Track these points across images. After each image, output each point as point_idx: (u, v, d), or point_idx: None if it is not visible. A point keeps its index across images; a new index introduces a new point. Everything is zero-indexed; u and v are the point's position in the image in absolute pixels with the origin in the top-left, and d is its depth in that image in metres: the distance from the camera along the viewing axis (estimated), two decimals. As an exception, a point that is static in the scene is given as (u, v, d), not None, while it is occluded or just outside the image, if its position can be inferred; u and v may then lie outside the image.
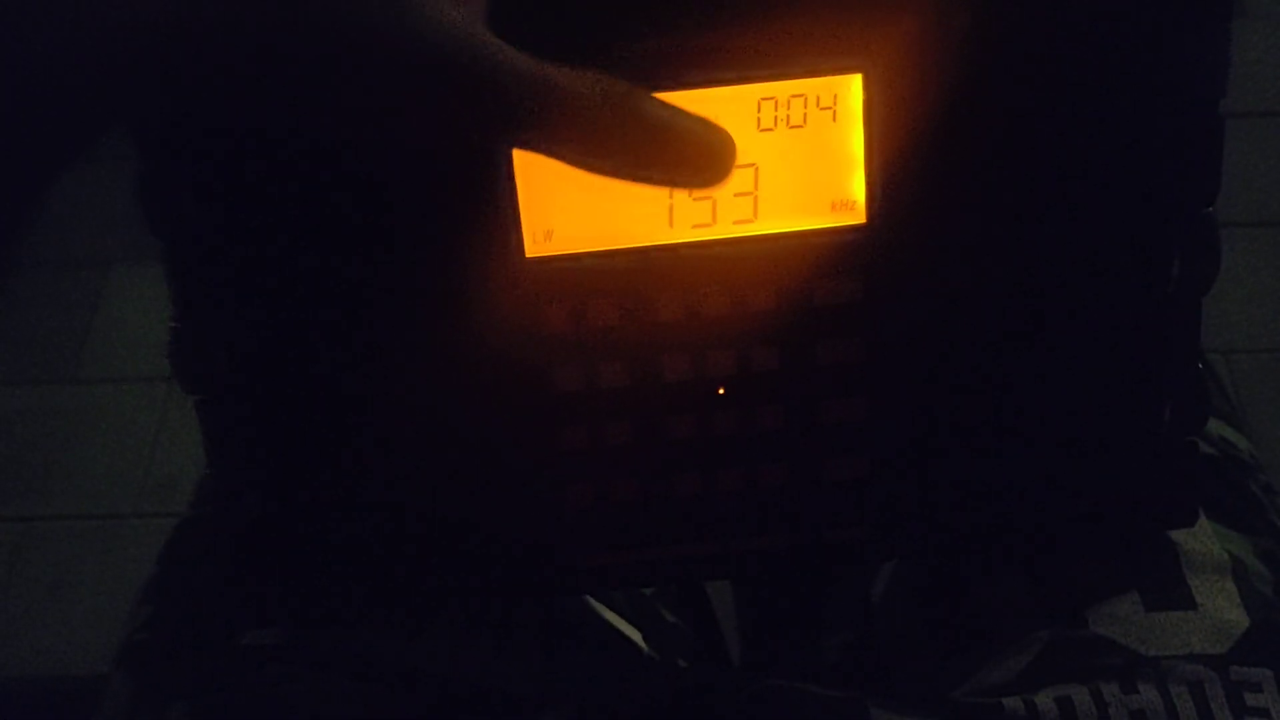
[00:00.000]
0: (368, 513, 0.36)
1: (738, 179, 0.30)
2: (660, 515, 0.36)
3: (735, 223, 0.33)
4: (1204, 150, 0.33)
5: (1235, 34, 0.33)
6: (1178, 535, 0.38)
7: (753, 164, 0.33)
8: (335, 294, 0.33)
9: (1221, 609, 0.36)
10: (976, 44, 0.32)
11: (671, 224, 0.33)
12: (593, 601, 0.41)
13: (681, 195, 0.33)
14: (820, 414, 0.35)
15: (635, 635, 0.41)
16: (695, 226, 0.33)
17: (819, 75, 0.32)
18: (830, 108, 0.32)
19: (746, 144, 0.32)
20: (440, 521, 0.36)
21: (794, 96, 0.32)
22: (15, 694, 1.00)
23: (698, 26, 0.30)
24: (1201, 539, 0.38)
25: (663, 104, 0.26)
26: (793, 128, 0.33)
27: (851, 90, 0.32)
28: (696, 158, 0.27)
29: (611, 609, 0.41)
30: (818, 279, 0.34)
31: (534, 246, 0.33)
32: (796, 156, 0.33)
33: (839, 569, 0.45)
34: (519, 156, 0.32)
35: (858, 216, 0.33)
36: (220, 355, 0.34)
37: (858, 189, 0.33)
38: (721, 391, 0.35)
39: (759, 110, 0.32)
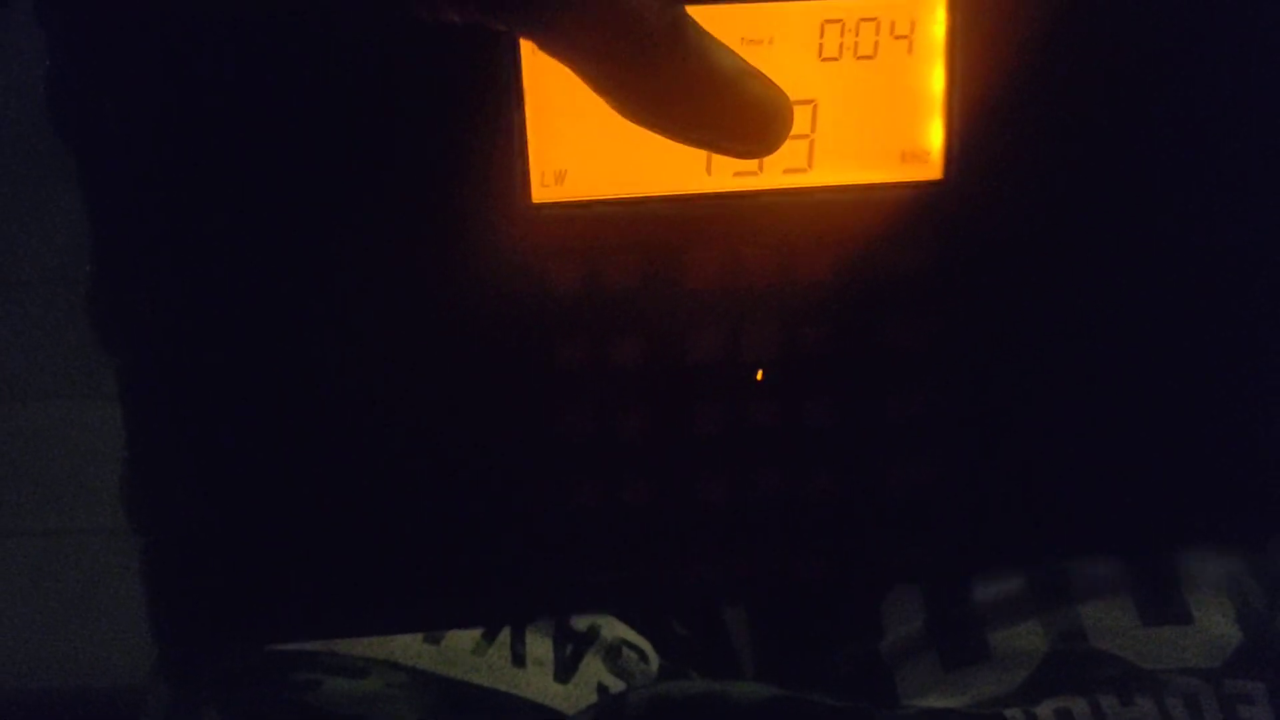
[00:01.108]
0: (342, 515, 0.30)
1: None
2: (681, 525, 0.30)
3: (786, 171, 0.28)
4: None
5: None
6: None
7: (811, 100, 0.27)
8: (303, 245, 0.27)
9: (1217, 624, 0.37)
10: None
11: (709, 170, 0.28)
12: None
13: None
14: (879, 409, 0.30)
15: (646, 645, 0.42)
16: (737, 175, 0.28)
17: None
18: (906, 36, 0.27)
19: (804, 75, 0.27)
20: (422, 525, 0.31)
21: (864, 20, 0.27)
22: (44, 705, 1.02)
23: None
24: (1199, 555, 0.39)
25: (732, 52, 0.21)
26: (860, 58, 0.27)
27: (934, 16, 0.27)
28: (752, 123, 0.22)
29: (620, 619, 0.42)
30: (882, 243, 0.28)
31: (542, 190, 0.27)
32: (863, 94, 0.27)
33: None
34: (530, 78, 0.26)
35: (932, 171, 0.28)
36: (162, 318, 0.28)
37: (934, 137, 0.28)
38: (760, 377, 0.29)
39: (822, 35, 0.27)
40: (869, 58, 0.27)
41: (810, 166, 0.28)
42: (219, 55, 0.25)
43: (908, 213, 0.28)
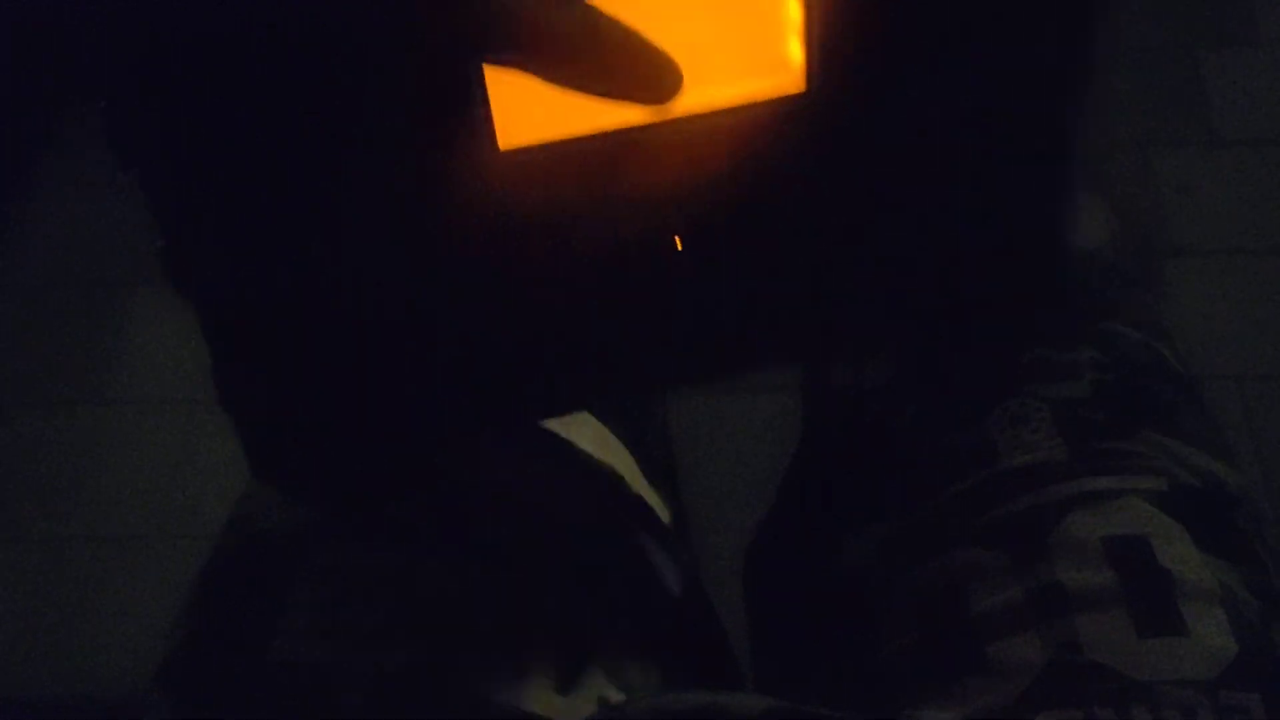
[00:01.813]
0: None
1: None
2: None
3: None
4: None
5: (1245, 62, 0.32)
6: (1170, 564, 0.39)
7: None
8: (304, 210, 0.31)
9: (1212, 635, 0.37)
10: None
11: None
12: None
13: None
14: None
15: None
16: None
17: None
18: None
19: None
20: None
21: None
22: (41, 713, 1.02)
23: None
24: (1193, 567, 0.39)
25: (620, 26, 0.28)
26: None
27: None
28: (649, 79, 0.29)
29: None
30: (762, 150, 0.33)
31: (507, 139, 0.32)
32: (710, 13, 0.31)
33: (851, 592, 0.46)
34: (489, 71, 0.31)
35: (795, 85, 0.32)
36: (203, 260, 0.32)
37: (794, 50, 0.31)
38: (679, 245, 0.35)
39: None
40: None
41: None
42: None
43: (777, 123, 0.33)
